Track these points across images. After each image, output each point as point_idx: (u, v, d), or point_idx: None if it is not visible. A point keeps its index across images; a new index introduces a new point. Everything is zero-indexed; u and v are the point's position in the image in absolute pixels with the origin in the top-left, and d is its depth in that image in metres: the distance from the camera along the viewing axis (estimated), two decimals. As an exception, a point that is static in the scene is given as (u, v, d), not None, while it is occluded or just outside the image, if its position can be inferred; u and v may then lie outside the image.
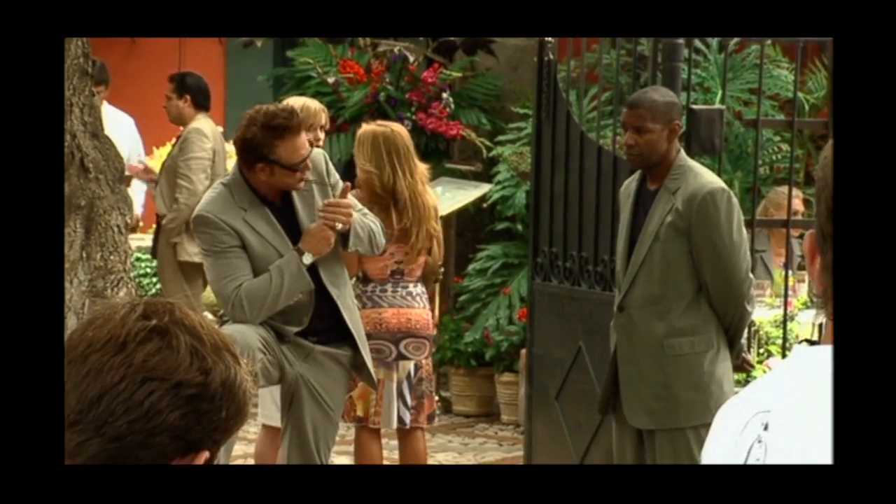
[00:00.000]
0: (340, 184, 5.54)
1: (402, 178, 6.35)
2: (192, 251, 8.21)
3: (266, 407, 6.47)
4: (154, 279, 9.96)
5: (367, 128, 6.57)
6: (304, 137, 5.33)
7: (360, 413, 6.47)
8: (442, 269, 7.23)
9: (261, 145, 5.24)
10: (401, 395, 6.47)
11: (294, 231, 5.41)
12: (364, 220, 5.54)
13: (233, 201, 5.34)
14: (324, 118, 6.84)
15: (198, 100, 8.57)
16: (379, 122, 6.90)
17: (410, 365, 6.49)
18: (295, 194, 5.43)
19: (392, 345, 6.44)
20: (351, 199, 5.54)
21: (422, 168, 6.51)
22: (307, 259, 5.34)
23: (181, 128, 8.72)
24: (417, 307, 6.50)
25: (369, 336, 6.32)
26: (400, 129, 6.61)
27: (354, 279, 6.55)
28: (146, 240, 10.36)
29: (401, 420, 6.50)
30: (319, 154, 5.55)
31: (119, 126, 9.03)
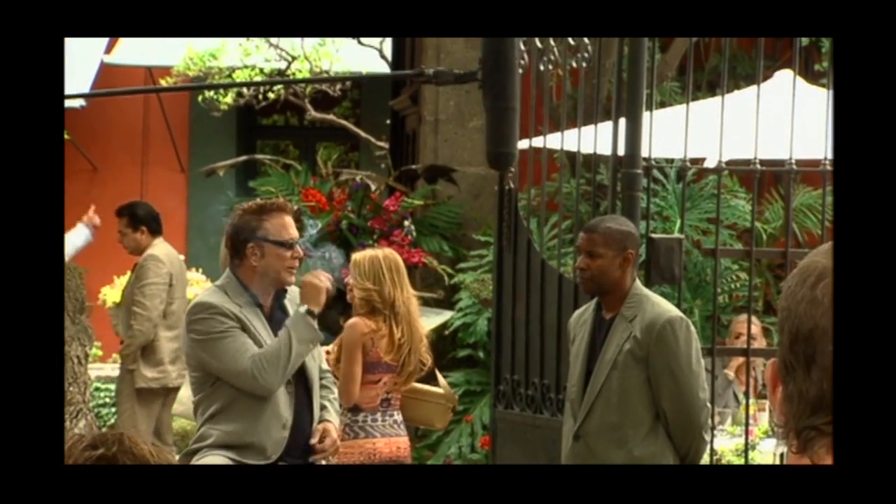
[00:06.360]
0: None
1: (400, 294, 6.41)
2: (148, 377, 8.13)
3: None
4: (113, 409, 9.87)
5: (362, 252, 6.66)
6: (291, 220, 5.36)
7: None
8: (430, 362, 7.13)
9: (247, 226, 5.29)
10: None
11: None
12: (335, 405, 5.63)
13: (228, 298, 5.33)
14: None
15: (153, 227, 8.75)
16: (376, 247, 7.00)
17: None
18: (288, 303, 5.41)
19: None
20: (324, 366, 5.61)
21: (413, 296, 6.56)
22: (304, 308, 5.30)
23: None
24: (403, 435, 6.53)
25: (362, 467, 6.27)
26: (394, 252, 6.71)
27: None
28: (105, 369, 10.27)
29: None
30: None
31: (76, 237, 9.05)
